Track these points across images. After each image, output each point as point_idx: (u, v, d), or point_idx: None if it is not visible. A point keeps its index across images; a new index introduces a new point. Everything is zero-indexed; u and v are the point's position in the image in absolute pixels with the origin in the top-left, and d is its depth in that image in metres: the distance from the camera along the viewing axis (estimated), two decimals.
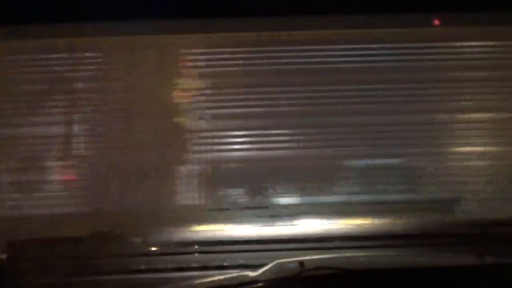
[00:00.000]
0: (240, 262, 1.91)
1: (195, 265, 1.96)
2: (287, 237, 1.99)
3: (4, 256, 1.99)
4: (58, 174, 2.16)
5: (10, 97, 2.15)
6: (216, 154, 2.17)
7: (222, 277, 1.60)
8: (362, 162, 2.19)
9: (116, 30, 2.14)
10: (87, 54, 2.18)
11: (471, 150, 2.20)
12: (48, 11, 2.03)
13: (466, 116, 2.21)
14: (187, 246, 2.00)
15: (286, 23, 2.16)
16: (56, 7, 2.03)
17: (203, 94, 2.19)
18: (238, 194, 2.16)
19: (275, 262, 1.52)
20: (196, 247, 2.01)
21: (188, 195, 2.15)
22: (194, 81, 2.19)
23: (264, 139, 2.19)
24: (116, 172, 2.13)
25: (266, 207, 2.12)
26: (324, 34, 2.20)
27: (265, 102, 2.19)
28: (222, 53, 2.20)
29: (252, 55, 2.20)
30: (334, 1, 2.09)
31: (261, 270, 1.50)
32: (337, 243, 1.97)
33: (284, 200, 2.15)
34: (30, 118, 2.14)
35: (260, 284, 1.42)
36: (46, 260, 1.95)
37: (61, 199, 2.13)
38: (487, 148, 2.20)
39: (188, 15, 2.09)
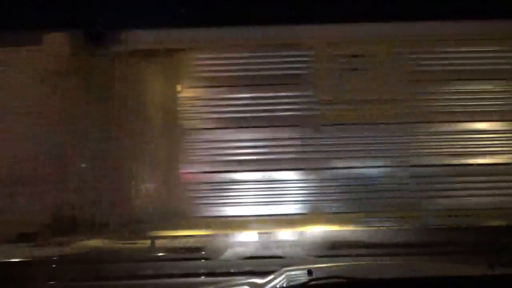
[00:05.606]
0: (248, 268, 1.90)
1: (202, 271, 1.95)
2: (293, 245, 1.98)
3: (13, 260, 2.00)
4: None
5: None
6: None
7: (229, 283, 1.59)
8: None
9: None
10: None
11: None
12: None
13: None
14: (194, 252, 2.00)
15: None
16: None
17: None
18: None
19: (282, 270, 1.50)
20: (203, 253, 2.00)
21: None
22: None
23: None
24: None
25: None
26: None
27: None
28: None
29: None
30: None
31: (268, 278, 1.48)
32: (346, 251, 1.95)
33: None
34: None
35: None
36: (54, 264, 1.96)
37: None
38: None
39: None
